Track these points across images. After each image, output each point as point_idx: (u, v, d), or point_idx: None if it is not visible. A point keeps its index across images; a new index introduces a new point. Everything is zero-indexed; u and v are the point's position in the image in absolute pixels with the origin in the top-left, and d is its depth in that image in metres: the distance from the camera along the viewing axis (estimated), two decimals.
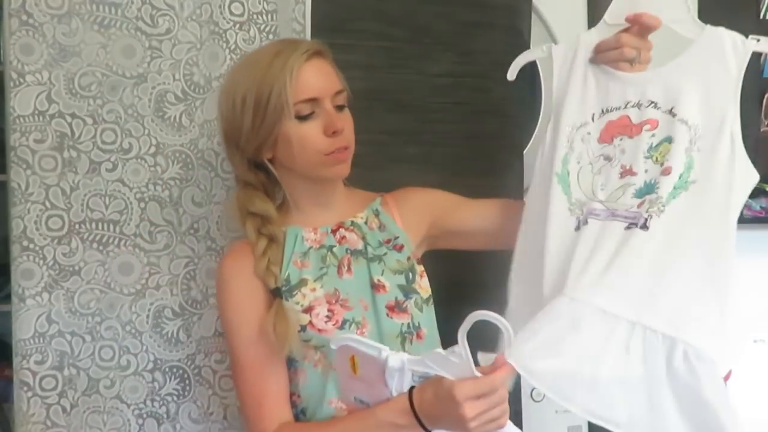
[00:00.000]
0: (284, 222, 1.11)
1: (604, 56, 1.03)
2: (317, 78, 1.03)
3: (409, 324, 1.09)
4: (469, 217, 1.19)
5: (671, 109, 0.96)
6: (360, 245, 1.12)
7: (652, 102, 0.97)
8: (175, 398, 1.28)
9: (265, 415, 1.04)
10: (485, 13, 1.50)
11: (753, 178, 0.93)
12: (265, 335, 1.01)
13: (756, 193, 1.73)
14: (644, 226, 0.90)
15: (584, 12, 1.62)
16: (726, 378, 1.90)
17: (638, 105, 0.98)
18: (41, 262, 1.20)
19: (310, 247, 1.10)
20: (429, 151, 1.42)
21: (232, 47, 1.29)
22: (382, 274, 1.10)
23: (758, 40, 0.93)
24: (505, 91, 1.53)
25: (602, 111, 1.02)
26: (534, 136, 1.65)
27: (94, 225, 1.23)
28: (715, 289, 0.89)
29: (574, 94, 1.05)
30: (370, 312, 1.08)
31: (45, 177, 1.20)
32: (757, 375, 1.81)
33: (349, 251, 1.12)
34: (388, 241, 1.14)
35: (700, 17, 0.97)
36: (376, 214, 1.17)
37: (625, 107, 0.99)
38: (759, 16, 1.63)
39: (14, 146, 1.19)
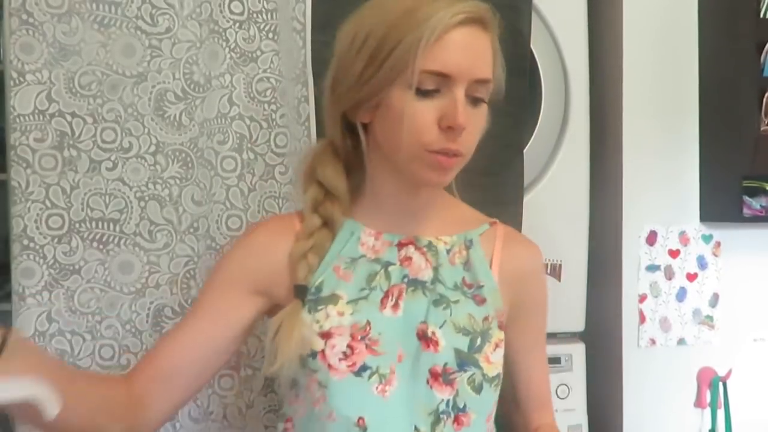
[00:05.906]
0: (346, 211, 0.90)
1: None
2: (462, 52, 0.79)
3: (450, 402, 0.84)
4: (521, 362, 0.98)
5: None
6: (427, 276, 0.87)
7: None
8: None
9: (147, 359, 0.89)
10: None
11: None
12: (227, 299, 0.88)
13: (756, 192, 1.72)
14: None
15: (584, 12, 1.62)
16: (726, 377, 1.91)
17: None
18: (41, 261, 1.20)
19: (363, 255, 0.88)
20: None
21: (232, 46, 1.29)
22: (440, 327, 0.85)
23: None
24: (505, 90, 1.53)
25: None
26: (534, 135, 1.64)
27: (94, 224, 1.23)
28: None
29: None
30: (404, 368, 0.84)
31: (45, 176, 1.20)
32: (757, 375, 1.80)
33: (407, 279, 0.87)
34: (470, 286, 0.89)
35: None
36: (468, 245, 0.91)
37: None
38: (759, 15, 1.62)
39: (14, 145, 1.18)
